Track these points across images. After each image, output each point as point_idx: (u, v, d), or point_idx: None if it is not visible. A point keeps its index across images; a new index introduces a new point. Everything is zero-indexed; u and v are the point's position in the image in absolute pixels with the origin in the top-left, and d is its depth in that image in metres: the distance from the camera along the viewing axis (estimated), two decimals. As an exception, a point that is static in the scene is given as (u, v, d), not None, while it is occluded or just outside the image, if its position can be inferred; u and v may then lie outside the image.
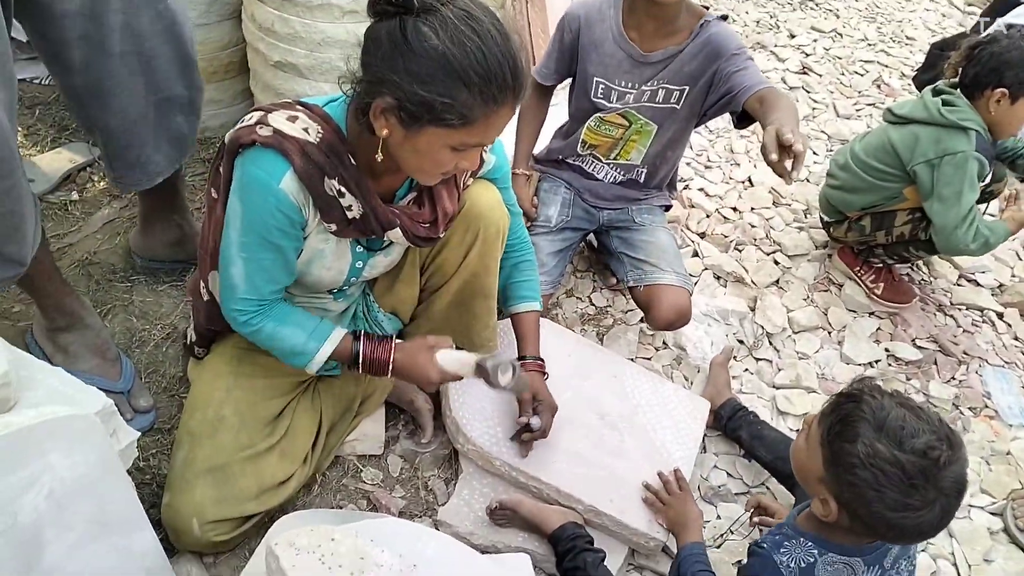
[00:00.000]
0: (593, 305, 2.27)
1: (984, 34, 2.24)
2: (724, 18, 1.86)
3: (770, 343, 2.27)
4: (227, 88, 2.37)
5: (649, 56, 1.88)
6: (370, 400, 1.75)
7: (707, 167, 2.89)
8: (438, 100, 1.15)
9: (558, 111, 2.26)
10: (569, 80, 2.04)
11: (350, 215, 1.34)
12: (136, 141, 1.58)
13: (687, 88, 1.90)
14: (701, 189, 2.76)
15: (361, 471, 1.74)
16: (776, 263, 2.52)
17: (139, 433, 1.36)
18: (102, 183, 2.25)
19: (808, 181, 2.91)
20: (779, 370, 2.19)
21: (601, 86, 1.94)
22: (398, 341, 1.49)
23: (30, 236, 1.44)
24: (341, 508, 1.66)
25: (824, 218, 2.51)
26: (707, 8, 1.90)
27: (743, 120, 1.84)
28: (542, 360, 1.70)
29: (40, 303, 1.63)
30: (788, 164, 1.41)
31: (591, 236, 2.30)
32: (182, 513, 1.44)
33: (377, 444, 1.77)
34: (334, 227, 1.35)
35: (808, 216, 2.73)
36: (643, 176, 2.10)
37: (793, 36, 3.88)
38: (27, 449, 1.11)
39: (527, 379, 1.50)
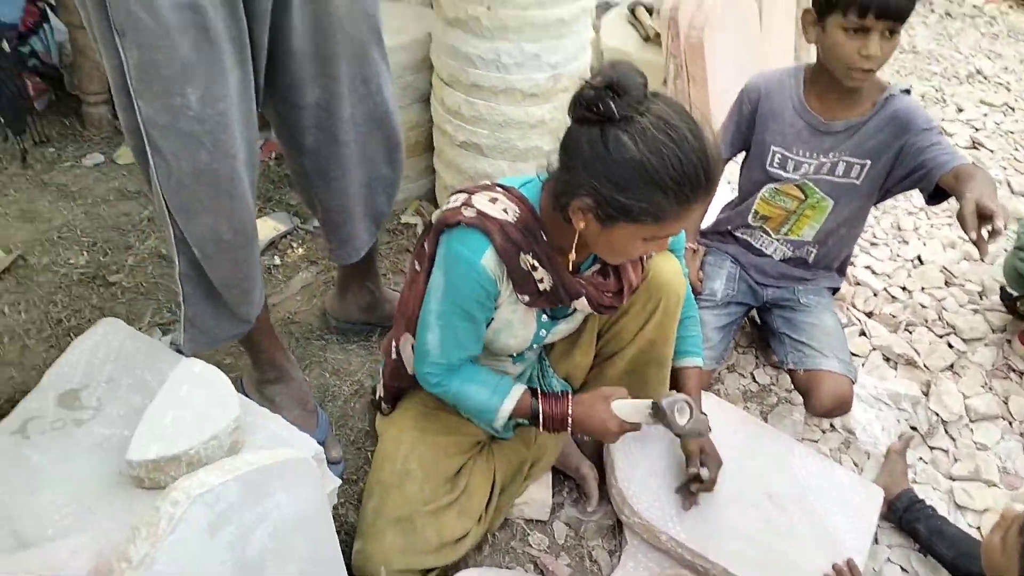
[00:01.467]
0: (756, 382, 2.25)
1: None
2: (907, 92, 1.85)
3: (946, 431, 2.16)
4: (413, 165, 2.58)
5: (831, 125, 1.89)
6: (539, 464, 1.82)
7: (873, 244, 2.83)
8: (635, 205, 1.24)
9: (722, 187, 2.30)
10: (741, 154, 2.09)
11: (542, 287, 1.44)
12: (349, 219, 1.77)
13: (868, 163, 1.89)
14: (867, 267, 2.69)
15: (528, 535, 1.79)
16: (950, 346, 2.41)
17: (340, 480, 1.49)
18: (300, 249, 2.49)
19: (983, 261, 2.78)
20: (956, 460, 2.08)
21: (778, 155, 1.96)
22: (574, 395, 1.56)
23: (257, 298, 1.64)
24: (510, 569, 1.72)
25: (1011, 292, 2.38)
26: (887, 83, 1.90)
27: (935, 197, 1.81)
28: (705, 415, 1.72)
29: (255, 357, 1.83)
30: (985, 234, 1.41)
31: (753, 312, 2.30)
32: (373, 560, 1.55)
33: (544, 509, 1.83)
34: (527, 298, 1.46)
35: (984, 298, 2.60)
36: (812, 255, 2.09)
37: (961, 110, 3.75)
38: (262, 487, 1.24)
39: (705, 420, 1.51)
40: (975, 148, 3.48)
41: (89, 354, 1.65)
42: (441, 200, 2.57)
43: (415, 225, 2.62)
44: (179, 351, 1.65)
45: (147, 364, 1.62)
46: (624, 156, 1.21)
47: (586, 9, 2.12)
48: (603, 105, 1.20)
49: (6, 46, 2.65)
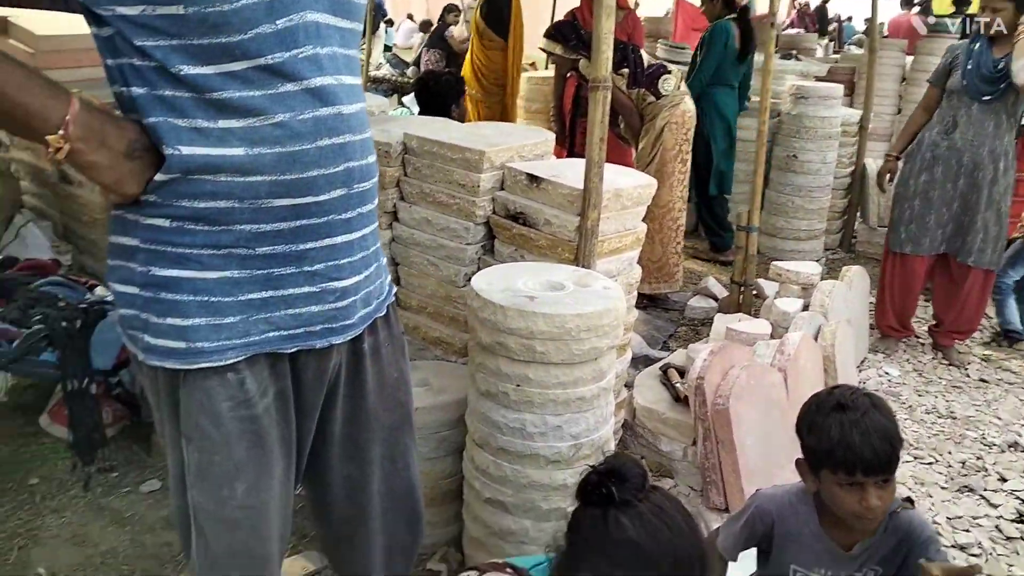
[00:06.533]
0: None
1: None
2: (909, 500, 1.92)
3: None
4: (442, 512, 2.70)
5: (851, 552, 1.96)
6: None
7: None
8: None
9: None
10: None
11: None
12: None
13: (881, 570, 1.94)
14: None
15: None
16: None
17: None
18: (326, 589, 2.53)
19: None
20: None
21: (799, 573, 2.01)
22: None
23: None
24: None
25: None
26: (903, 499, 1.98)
27: None
28: None
29: None
30: None
31: None
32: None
33: None
34: None
35: None
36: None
37: (1004, 480, 3.70)
38: None
39: None
40: (1021, 522, 3.38)
41: None
42: (468, 548, 2.62)
43: (440, 573, 2.64)
44: None
45: None
46: (622, 536, 1.30)
47: (606, 388, 2.34)
48: (605, 489, 1.33)
49: (94, 388, 3.00)
